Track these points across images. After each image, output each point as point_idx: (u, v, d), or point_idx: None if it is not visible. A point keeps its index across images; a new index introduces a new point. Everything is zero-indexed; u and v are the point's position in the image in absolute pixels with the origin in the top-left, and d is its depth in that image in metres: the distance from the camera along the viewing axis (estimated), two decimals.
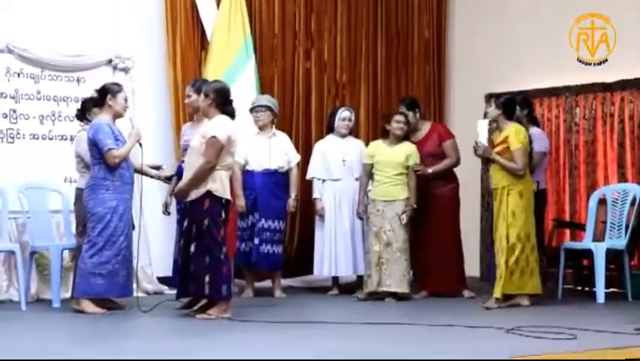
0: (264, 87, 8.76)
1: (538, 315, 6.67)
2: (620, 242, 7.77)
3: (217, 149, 6.49)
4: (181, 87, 8.22)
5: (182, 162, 7.11)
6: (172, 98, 8.48)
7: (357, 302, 7.67)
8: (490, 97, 8.16)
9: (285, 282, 8.52)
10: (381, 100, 9.69)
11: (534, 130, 7.78)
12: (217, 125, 6.58)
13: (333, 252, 8.18)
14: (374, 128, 9.32)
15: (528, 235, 7.18)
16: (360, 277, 8.23)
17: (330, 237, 8.20)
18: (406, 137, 7.90)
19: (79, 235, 7.22)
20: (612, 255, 7.78)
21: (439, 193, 7.99)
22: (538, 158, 7.69)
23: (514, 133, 7.19)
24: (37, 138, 7.96)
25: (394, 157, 7.79)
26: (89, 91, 7.62)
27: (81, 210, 7.09)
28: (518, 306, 7.17)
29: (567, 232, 8.98)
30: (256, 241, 7.95)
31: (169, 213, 7.70)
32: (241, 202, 7.84)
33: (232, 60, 8.52)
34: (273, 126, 8.20)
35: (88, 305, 6.85)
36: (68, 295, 7.40)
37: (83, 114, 7.38)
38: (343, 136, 8.33)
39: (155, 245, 8.27)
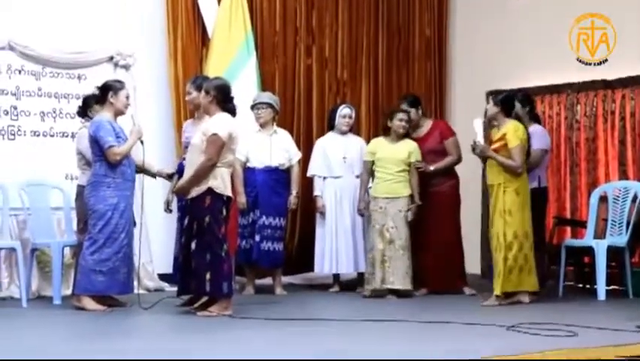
0: (265, 84, 8.76)
1: (539, 312, 6.67)
2: (621, 239, 7.77)
3: (218, 146, 6.49)
4: (182, 84, 8.22)
5: (184, 159, 7.11)
6: (173, 95, 8.48)
7: (362, 299, 7.68)
8: (491, 94, 8.14)
9: (285, 279, 8.52)
10: (382, 97, 9.69)
11: (535, 127, 7.77)
12: (218, 123, 6.58)
13: (334, 249, 8.19)
14: (375, 125, 9.31)
15: (526, 232, 7.15)
16: (360, 275, 8.23)
17: (330, 234, 8.20)
18: (406, 134, 7.90)
19: (80, 232, 7.22)
20: (613, 252, 7.78)
21: (439, 190, 7.99)
22: (539, 155, 7.69)
23: (512, 130, 7.16)
24: (38, 135, 7.97)
25: (396, 154, 7.79)
26: (90, 88, 7.62)
27: (82, 207, 7.09)
28: (519, 303, 7.17)
29: (568, 229, 8.98)
30: (257, 238, 7.95)
31: (170, 211, 7.70)
32: (242, 199, 7.84)
33: (233, 57, 8.52)
34: (274, 123, 8.20)
35: (89, 302, 6.86)
36: (69, 292, 7.40)
37: (84, 111, 7.38)
38: (344, 133, 8.33)
39: (155, 242, 8.27)
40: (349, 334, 5.86)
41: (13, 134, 7.86)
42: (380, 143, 7.92)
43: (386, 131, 7.91)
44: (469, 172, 8.48)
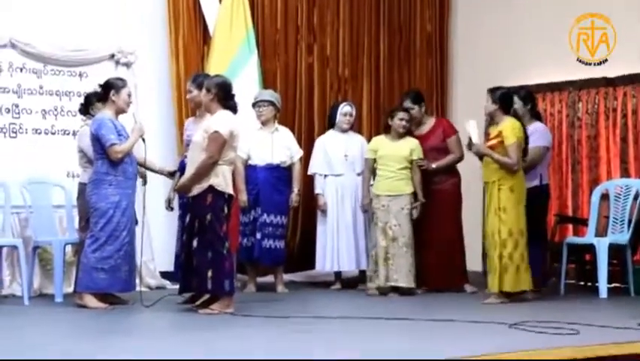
0: (266, 82, 8.76)
1: (541, 310, 6.67)
2: (623, 237, 7.77)
3: (219, 144, 6.49)
4: (183, 82, 8.21)
5: (185, 157, 7.11)
6: (174, 92, 8.48)
7: (364, 296, 7.68)
8: (490, 91, 8.13)
9: (287, 277, 8.53)
10: (383, 95, 9.69)
11: (537, 125, 7.75)
12: (219, 120, 6.58)
13: (336, 247, 8.19)
14: (376, 123, 9.32)
15: (521, 230, 7.12)
16: (362, 272, 8.23)
17: (332, 232, 8.21)
18: (408, 132, 7.90)
19: (81, 229, 7.23)
20: (615, 250, 7.78)
21: (441, 188, 7.99)
22: (540, 153, 7.66)
23: (509, 128, 7.13)
24: (40, 133, 7.97)
25: (399, 151, 7.79)
26: (91, 86, 7.63)
27: (84, 205, 7.10)
28: (520, 301, 7.17)
29: (570, 227, 8.98)
30: (258, 235, 7.96)
31: (172, 209, 7.70)
32: (243, 197, 7.83)
33: (234, 55, 8.52)
34: (276, 121, 8.20)
35: (90, 300, 6.86)
36: (71, 290, 7.41)
37: (86, 109, 7.38)
38: (344, 131, 8.33)
39: (157, 240, 8.27)
40: (351, 332, 5.86)
41: (15, 132, 7.86)
42: (381, 141, 7.92)
43: (387, 130, 7.91)
44: (470, 170, 8.46)
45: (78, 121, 7.65)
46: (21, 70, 7.90)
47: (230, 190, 6.59)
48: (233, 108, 6.70)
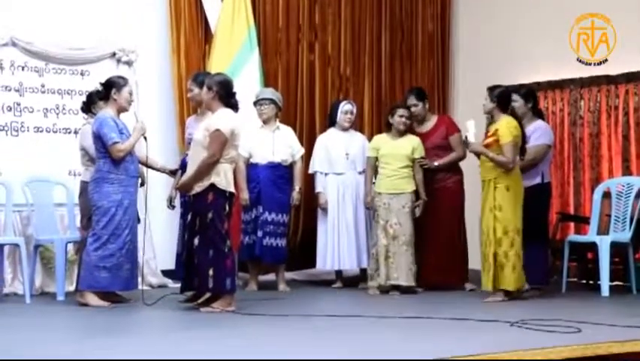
0: (267, 80, 8.76)
1: (543, 308, 6.66)
2: (625, 235, 7.76)
3: (221, 142, 6.49)
4: (185, 80, 8.20)
5: (186, 155, 7.11)
6: (176, 91, 8.48)
7: (365, 295, 7.67)
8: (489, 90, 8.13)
9: (288, 275, 8.53)
10: (385, 93, 9.69)
11: (539, 123, 7.74)
12: (221, 119, 6.57)
13: (337, 245, 8.19)
14: (378, 122, 9.32)
15: (517, 229, 7.10)
16: (363, 270, 8.23)
17: (333, 230, 8.20)
18: (409, 129, 7.89)
19: (83, 228, 7.23)
20: (616, 248, 7.78)
21: (443, 186, 8.00)
22: (542, 151, 7.65)
23: (504, 126, 7.11)
24: (42, 131, 7.97)
25: (400, 150, 7.79)
26: (93, 84, 7.62)
27: (86, 203, 7.10)
28: (521, 300, 7.16)
29: (571, 225, 8.98)
30: (260, 234, 7.96)
31: (173, 207, 7.70)
32: (245, 195, 7.83)
33: (236, 53, 8.52)
34: (277, 119, 8.19)
35: (92, 298, 6.86)
36: (73, 288, 7.42)
37: (87, 107, 7.39)
38: (345, 130, 8.32)
39: (159, 238, 8.28)
40: (352, 330, 5.86)
41: (17, 131, 7.86)
42: (383, 139, 7.92)
43: (388, 128, 7.91)
44: (472, 168, 8.44)
45: (80, 119, 7.65)
46: (23, 68, 7.90)
47: (231, 188, 6.59)
48: (234, 106, 6.69)
